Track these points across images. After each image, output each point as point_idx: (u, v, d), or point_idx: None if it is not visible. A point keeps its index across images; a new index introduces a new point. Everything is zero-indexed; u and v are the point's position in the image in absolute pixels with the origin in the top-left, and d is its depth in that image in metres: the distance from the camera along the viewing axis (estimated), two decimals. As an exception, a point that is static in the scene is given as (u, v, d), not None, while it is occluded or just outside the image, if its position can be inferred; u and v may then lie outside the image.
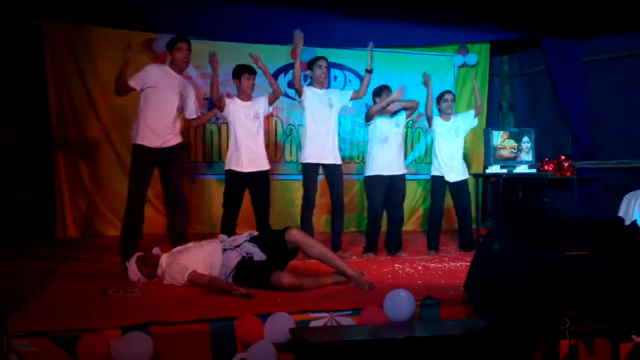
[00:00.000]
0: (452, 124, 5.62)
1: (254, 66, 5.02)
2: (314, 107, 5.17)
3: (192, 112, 4.96)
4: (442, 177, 5.55)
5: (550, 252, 2.94)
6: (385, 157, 5.26)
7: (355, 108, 7.14)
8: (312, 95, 5.19)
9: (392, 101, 5.17)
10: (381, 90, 5.36)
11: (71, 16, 6.15)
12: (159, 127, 4.65)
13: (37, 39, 6.22)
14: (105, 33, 6.36)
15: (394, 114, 5.32)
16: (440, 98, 5.58)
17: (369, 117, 5.31)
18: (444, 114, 5.61)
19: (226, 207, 4.95)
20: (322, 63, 5.20)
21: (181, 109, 4.86)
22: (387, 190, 5.28)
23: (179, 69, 4.82)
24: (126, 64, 4.54)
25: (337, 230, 5.23)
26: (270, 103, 5.15)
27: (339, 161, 5.25)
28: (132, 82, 4.64)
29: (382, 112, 5.23)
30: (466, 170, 5.69)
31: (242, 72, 4.98)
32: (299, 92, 5.19)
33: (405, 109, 5.36)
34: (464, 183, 5.62)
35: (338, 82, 7.35)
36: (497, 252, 3.06)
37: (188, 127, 6.67)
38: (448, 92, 5.68)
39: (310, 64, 5.23)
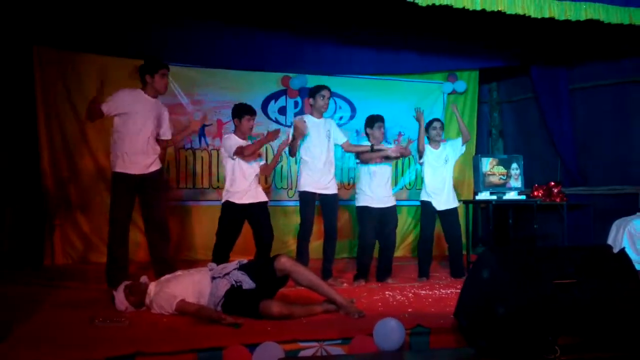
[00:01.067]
0: (442, 152, 5.64)
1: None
2: (311, 136, 5.16)
3: (165, 133, 4.86)
4: (431, 203, 5.55)
5: (539, 281, 2.94)
6: (375, 191, 5.28)
7: (346, 135, 7.17)
8: (310, 124, 5.17)
9: (387, 156, 5.23)
10: (373, 122, 5.37)
11: (63, 43, 6.16)
12: (135, 155, 4.59)
13: (28, 64, 6.22)
14: (95, 59, 6.38)
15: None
16: (429, 126, 5.60)
17: (362, 162, 5.33)
18: (433, 142, 5.63)
19: (220, 237, 4.93)
20: (325, 93, 5.19)
21: (158, 134, 4.79)
22: (379, 221, 5.29)
23: (156, 94, 4.72)
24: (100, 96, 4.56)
25: (328, 257, 5.21)
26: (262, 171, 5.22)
27: (335, 190, 5.26)
28: (105, 108, 4.54)
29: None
30: (456, 198, 5.70)
31: (244, 113, 4.97)
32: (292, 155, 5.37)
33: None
34: (453, 211, 5.62)
35: (329, 109, 7.38)
36: (486, 280, 3.06)
37: (177, 152, 6.72)
38: (437, 120, 5.70)
39: (313, 93, 5.22)
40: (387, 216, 5.32)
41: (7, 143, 5.98)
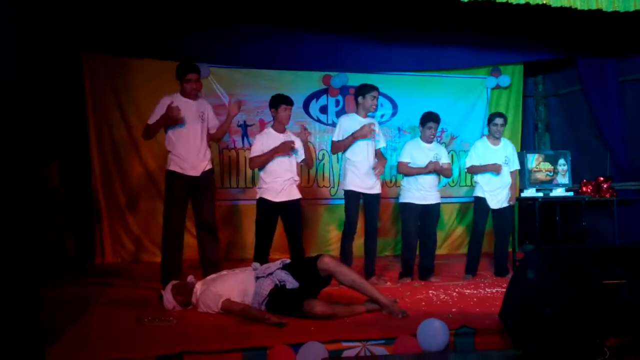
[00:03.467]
0: (502, 150, 5.49)
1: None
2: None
3: (213, 128, 4.90)
4: (486, 200, 5.44)
5: (586, 281, 2.88)
6: (420, 188, 5.25)
7: (388, 132, 7.16)
8: (353, 122, 5.15)
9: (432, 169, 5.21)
10: (425, 120, 5.32)
11: (110, 48, 6.34)
12: (190, 158, 4.67)
13: (78, 71, 6.42)
14: (142, 64, 6.53)
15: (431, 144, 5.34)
16: (489, 122, 5.50)
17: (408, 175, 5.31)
18: (492, 138, 5.50)
19: (258, 235, 4.98)
20: (375, 94, 5.14)
21: (208, 133, 4.85)
22: (421, 217, 5.28)
23: (191, 96, 4.76)
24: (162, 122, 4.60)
25: (370, 255, 5.20)
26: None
27: (379, 190, 5.24)
28: (151, 120, 4.65)
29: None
30: (509, 197, 5.50)
31: (280, 102, 4.96)
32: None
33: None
34: (506, 210, 5.49)
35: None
36: (532, 280, 3.01)
37: (221, 153, 6.81)
38: (499, 115, 5.53)
39: (363, 92, 5.15)
40: (428, 213, 5.29)
41: (59, 148, 6.18)
